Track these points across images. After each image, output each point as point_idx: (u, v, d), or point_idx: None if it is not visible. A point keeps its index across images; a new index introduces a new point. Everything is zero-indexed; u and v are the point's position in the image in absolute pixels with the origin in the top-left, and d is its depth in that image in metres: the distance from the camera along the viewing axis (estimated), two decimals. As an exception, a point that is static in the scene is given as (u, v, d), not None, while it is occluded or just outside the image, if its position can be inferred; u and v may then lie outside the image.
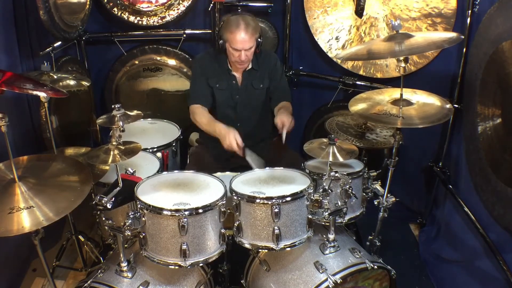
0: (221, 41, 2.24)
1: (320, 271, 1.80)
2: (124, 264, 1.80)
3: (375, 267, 1.85)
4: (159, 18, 2.93)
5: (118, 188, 1.69)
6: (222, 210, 1.72)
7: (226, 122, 2.41)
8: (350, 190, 1.88)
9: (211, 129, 2.26)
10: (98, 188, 2.00)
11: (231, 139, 2.12)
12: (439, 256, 2.53)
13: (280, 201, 1.70)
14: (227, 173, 2.15)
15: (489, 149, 1.97)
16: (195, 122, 2.36)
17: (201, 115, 2.33)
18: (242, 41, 2.15)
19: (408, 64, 1.88)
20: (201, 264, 1.82)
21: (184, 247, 1.65)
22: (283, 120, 2.18)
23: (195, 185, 1.84)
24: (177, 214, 1.62)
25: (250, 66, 2.36)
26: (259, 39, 2.24)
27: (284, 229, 1.74)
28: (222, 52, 2.30)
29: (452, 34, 1.84)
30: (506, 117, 1.84)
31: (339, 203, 1.91)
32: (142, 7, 2.89)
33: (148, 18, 2.92)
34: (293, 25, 2.88)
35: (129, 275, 1.80)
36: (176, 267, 1.70)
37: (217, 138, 2.44)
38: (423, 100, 1.97)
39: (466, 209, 2.27)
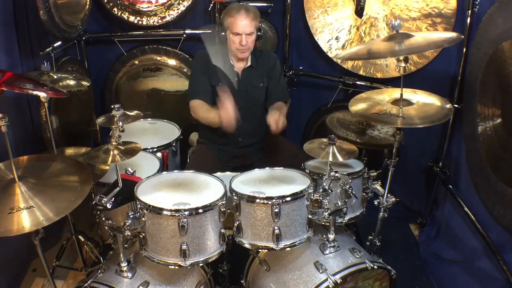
0: (223, 33, 2.25)
1: (320, 271, 1.80)
2: (124, 264, 1.80)
3: (375, 267, 1.85)
4: (159, 18, 2.92)
5: (118, 188, 1.68)
6: (222, 210, 1.72)
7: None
8: (350, 190, 1.88)
9: (212, 116, 2.19)
10: (98, 188, 2.00)
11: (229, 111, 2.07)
12: (439, 256, 2.53)
13: (280, 201, 1.70)
14: (227, 173, 2.14)
15: (489, 149, 1.97)
16: (197, 116, 2.32)
17: (201, 106, 2.29)
18: (242, 24, 2.17)
19: (408, 64, 1.89)
20: (201, 264, 1.82)
21: (184, 247, 1.65)
22: (275, 118, 2.14)
23: (195, 185, 1.84)
24: (177, 214, 1.62)
25: (249, 63, 2.36)
26: (259, 33, 2.25)
27: (284, 229, 1.74)
28: (224, 47, 2.30)
29: (452, 34, 1.85)
30: (506, 117, 1.84)
31: (339, 203, 1.91)
32: (142, 7, 2.88)
33: (148, 18, 2.92)
34: (293, 25, 2.88)
35: (129, 275, 1.80)
36: (176, 267, 1.70)
37: (217, 138, 2.44)
38: (423, 100, 1.97)
39: (466, 209, 2.27)
